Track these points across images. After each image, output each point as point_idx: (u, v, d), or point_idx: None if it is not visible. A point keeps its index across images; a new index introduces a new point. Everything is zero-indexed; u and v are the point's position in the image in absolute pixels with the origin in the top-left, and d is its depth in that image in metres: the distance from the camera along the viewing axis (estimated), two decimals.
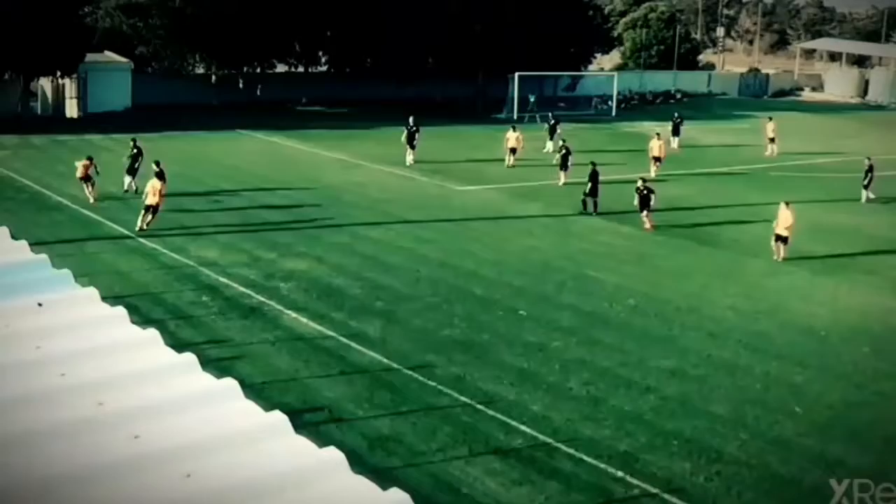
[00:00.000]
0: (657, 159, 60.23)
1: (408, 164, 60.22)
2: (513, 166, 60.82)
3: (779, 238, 40.80)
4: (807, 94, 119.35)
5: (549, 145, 67.12)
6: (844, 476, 22.45)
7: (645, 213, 45.70)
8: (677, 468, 22.63)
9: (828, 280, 38.96)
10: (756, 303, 35.44)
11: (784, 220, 40.60)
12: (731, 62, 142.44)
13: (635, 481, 21.87)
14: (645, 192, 45.96)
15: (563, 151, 55.94)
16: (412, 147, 61.03)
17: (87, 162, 45.82)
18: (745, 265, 40.39)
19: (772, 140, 69.70)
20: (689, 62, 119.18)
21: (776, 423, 25.32)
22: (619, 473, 22.17)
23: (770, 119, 71.00)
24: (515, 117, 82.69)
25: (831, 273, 39.92)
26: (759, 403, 26.50)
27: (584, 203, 48.29)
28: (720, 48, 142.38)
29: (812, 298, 36.37)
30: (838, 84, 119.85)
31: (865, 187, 54.36)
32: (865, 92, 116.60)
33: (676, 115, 75.64)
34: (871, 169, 54.31)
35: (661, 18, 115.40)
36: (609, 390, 26.88)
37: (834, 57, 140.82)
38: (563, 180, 55.07)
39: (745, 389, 27.46)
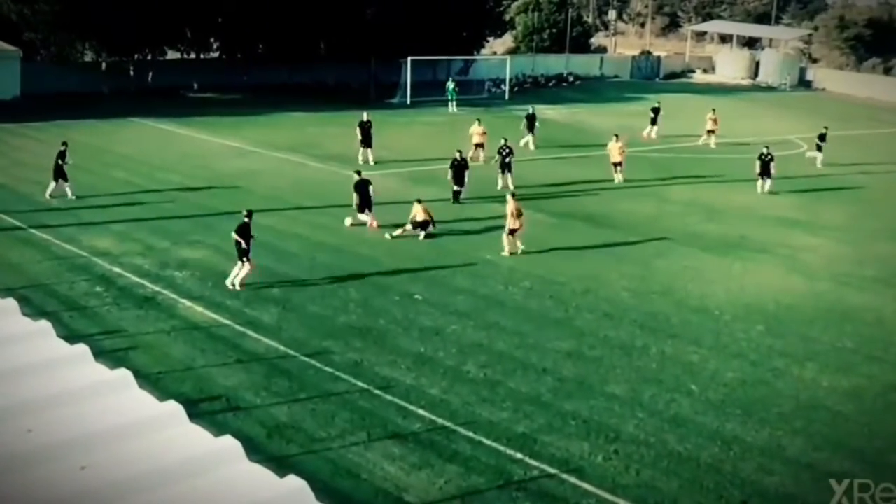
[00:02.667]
0: (617, 164, 53.46)
1: (371, 163, 54.36)
2: (486, 161, 54.80)
3: (511, 232, 38.33)
4: (698, 76, 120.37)
5: (530, 139, 62.00)
6: (739, 451, 22.91)
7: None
8: (575, 449, 22.83)
9: (721, 260, 39.46)
10: (650, 283, 35.81)
11: (512, 211, 37.98)
12: (623, 45, 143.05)
13: (534, 462, 22.05)
14: (769, 157, 51.94)
15: (506, 151, 50.25)
16: (369, 145, 55.74)
17: None
18: (638, 246, 40.71)
19: (710, 132, 67.08)
20: (581, 45, 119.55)
21: (673, 402, 25.64)
22: (518, 455, 22.32)
23: (714, 110, 68.53)
24: (409, 102, 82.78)
25: (724, 253, 40.43)
26: (655, 383, 26.82)
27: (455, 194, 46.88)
28: (612, 31, 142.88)
29: (705, 278, 36.82)
30: (729, 66, 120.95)
31: (767, 176, 51.89)
32: (756, 73, 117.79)
33: (657, 102, 73.57)
34: (771, 157, 52.03)
35: (552, 2, 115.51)
36: (506, 373, 27.04)
37: (725, 39, 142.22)
38: (501, 184, 49.73)
39: (642, 369, 27.78)
